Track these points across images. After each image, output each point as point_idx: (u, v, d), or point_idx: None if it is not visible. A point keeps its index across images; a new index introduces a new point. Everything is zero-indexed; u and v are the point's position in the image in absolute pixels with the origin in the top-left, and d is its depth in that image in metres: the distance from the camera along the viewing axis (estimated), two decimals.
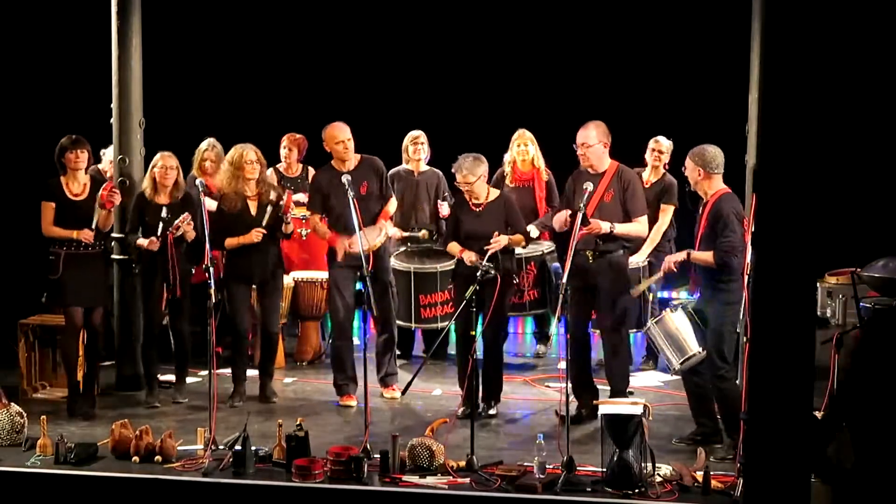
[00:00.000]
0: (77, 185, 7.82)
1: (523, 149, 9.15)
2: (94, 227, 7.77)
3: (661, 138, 9.03)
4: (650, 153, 8.98)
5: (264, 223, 8.05)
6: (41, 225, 7.77)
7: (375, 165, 8.21)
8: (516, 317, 9.40)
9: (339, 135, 8.04)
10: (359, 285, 8.00)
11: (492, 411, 7.92)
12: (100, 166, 9.21)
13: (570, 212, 7.50)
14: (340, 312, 8.12)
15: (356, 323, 8.53)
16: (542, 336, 9.76)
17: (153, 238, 7.95)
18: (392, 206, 8.30)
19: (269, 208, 8.08)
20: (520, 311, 8.95)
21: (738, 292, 6.83)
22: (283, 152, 9.57)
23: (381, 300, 8.04)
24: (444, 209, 9.08)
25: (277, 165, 9.56)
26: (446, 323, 8.81)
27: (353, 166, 8.08)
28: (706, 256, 6.99)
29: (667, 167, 9.04)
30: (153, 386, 8.21)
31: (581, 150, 7.58)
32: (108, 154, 8.91)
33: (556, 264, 8.97)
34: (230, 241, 8.05)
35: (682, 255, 7.14)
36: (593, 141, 7.55)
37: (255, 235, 8.03)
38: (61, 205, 7.76)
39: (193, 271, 8.26)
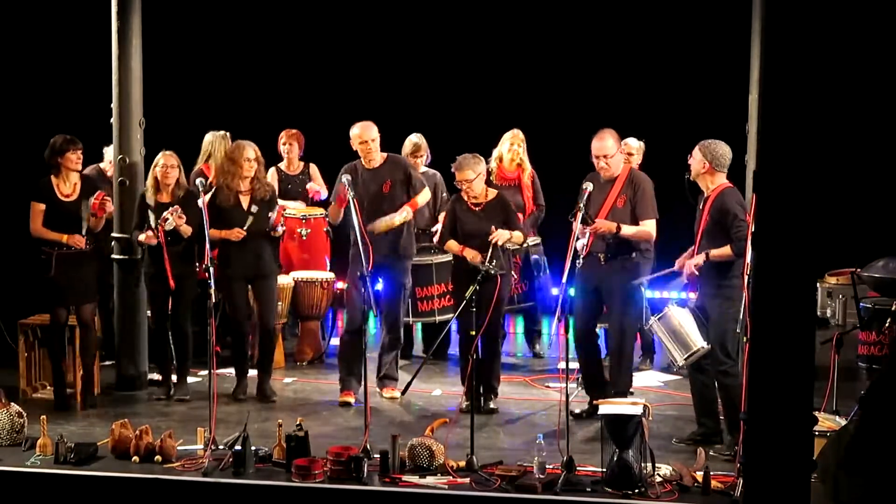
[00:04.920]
0: (68, 186, 7.82)
1: (515, 149, 9.16)
2: (84, 232, 7.77)
3: (629, 140, 9.00)
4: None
5: (246, 227, 8.07)
6: (30, 225, 7.77)
7: (401, 164, 8.25)
8: (506, 312, 9.38)
9: (365, 134, 8.08)
10: (379, 284, 8.02)
11: (491, 405, 7.93)
12: (102, 165, 9.21)
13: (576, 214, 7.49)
14: (357, 309, 8.06)
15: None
16: (537, 334, 9.75)
17: (149, 233, 7.95)
18: (422, 197, 8.28)
19: (253, 210, 8.09)
20: (508, 304, 8.94)
21: (740, 288, 6.82)
22: (283, 148, 9.57)
23: (392, 300, 8.04)
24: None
25: (279, 164, 9.56)
26: (445, 316, 8.82)
27: (377, 164, 8.12)
28: (724, 251, 6.96)
29: (638, 167, 9.02)
30: (168, 379, 8.27)
31: (602, 161, 7.56)
32: (109, 153, 8.91)
33: (536, 256, 9.00)
34: (213, 233, 8.07)
35: (701, 258, 7.09)
36: (612, 151, 7.56)
37: (236, 234, 8.06)
38: (51, 205, 7.75)
39: (198, 271, 8.26)
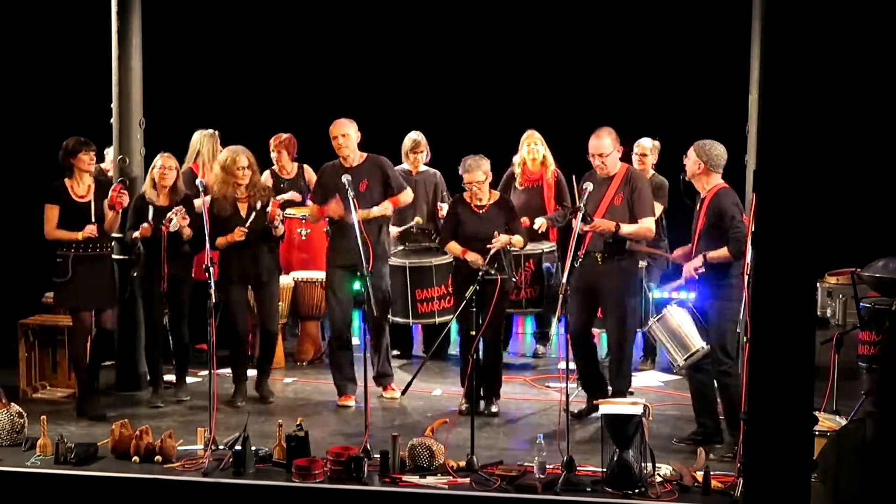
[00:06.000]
0: (82, 187, 7.79)
1: (534, 148, 9.14)
2: (93, 220, 7.74)
3: (642, 140, 9.01)
4: (634, 157, 8.96)
5: (247, 225, 8.05)
6: (44, 228, 7.72)
7: (380, 164, 8.18)
8: (513, 315, 9.39)
9: (333, 130, 8.06)
10: (356, 285, 7.96)
11: (493, 408, 7.93)
12: (102, 165, 9.20)
13: (570, 210, 7.53)
14: (336, 314, 8.12)
15: (355, 323, 8.50)
16: (541, 336, 9.76)
17: (144, 224, 7.91)
18: (404, 196, 8.25)
19: (254, 212, 8.08)
20: (516, 307, 8.94)
21: (739, 288, 6.83)
22: (272, 156, 9.54)
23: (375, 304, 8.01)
24: (445, 210, 9.07)
25: (272, 168, 9.54)
26: (445, 318, 8.81)
27: (356, 163, 8.07)
28: (721, 253, 6.96)
29: (654, 167, 9.03)
30: (158, 386, 8.20)
31: (598, 160, 7.57)
32: (110, 154, 8.91)
33: (548, 264, 8.98)
34: (220, 241, 8.06)
35: (699, 261, 7.10)
36: (609, 150, 7.55)
37: (238, 234, 8.01)
38: (66, 207, 7.72)
39: (194, 273, 8.25)
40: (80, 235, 7.68)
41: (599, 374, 7.82)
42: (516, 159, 9.20)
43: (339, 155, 8.08)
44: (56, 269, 7.76)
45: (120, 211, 7.83)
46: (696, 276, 7.13)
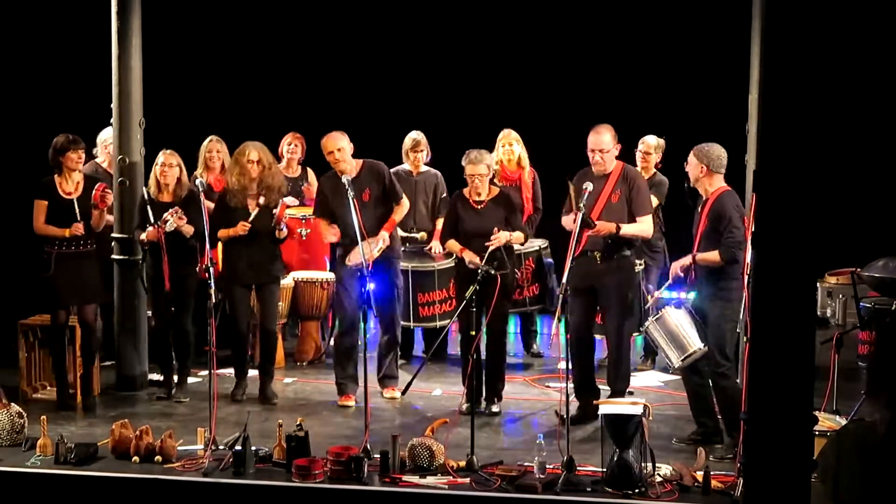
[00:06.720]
0: (70, 184, 7.86)
1: (509, 148, 9.18)
2: (78, 217, 7.77)
3: (647, 137, 9.00)
4: (637, 154, 8.96)
5: (250, 219, 8.04)
6: (33, 223, 7.82)
7: (377, 170, 8.14)
8: (518, 314, 9.40)
9: (328, 145, 7.99)
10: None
11: (494, 408, 7.93)
12: (97, 160, 9.18)
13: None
14: (347, 311, 8.10)
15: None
16: (528, 333, 9.73)
17: (150, 228, 7.96)
18: (400, 211, 8.20)
19: (258, 209, 8.08)
20: (520, 307, 8.97)
21: (738, 290, 6.83)
22: (286, 149, 9.57)
23: (386, 300, 8.02)
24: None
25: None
26: (445, 322, 8.82)
27: (353, 173, 8.01)
28: (712, 256, 6.98)
29: (659, 166, 9.02)
30: (170, 381, 8.27)
31: (597, 155, 7.56)
32: (104, 135, 8.89)
33: (550, 260, 8.99)
34: (221, 233, 8.09)
35: (687, 260, 7.12)
36: (608, 146, 7.55)
37: (241, 228, 8.01)
38: (54, 203, 7.80)
39: (199, 270, 8.26)
40: (67, 232, 7.76)
41: (594, 383, 7.81)
42: (493, 158, 9.19)
43: (336, 169, 8.02)
44: (39, 265, 7.84)
45: (104, 210, 7.87)
46: (682, 275, 7.15)
